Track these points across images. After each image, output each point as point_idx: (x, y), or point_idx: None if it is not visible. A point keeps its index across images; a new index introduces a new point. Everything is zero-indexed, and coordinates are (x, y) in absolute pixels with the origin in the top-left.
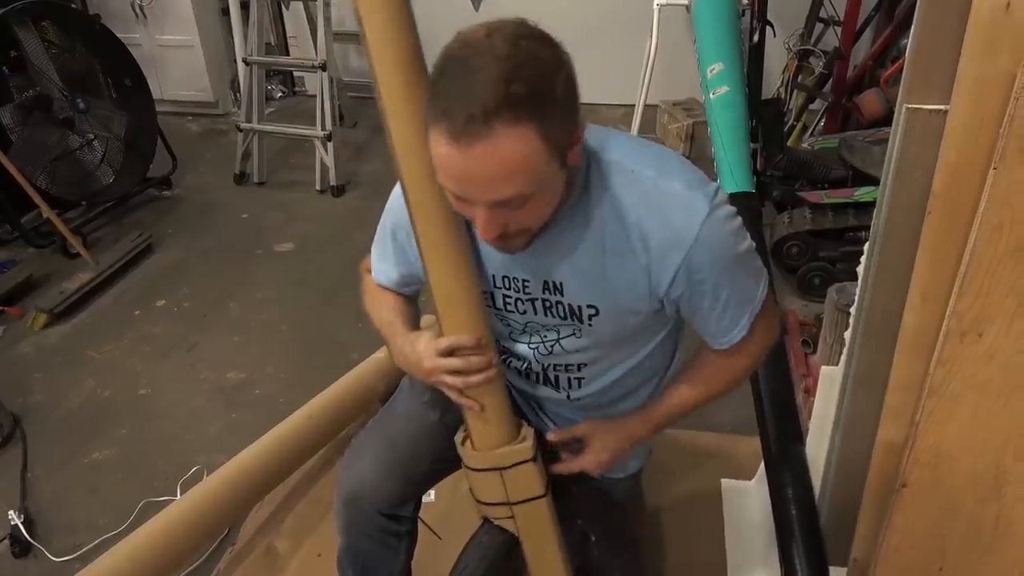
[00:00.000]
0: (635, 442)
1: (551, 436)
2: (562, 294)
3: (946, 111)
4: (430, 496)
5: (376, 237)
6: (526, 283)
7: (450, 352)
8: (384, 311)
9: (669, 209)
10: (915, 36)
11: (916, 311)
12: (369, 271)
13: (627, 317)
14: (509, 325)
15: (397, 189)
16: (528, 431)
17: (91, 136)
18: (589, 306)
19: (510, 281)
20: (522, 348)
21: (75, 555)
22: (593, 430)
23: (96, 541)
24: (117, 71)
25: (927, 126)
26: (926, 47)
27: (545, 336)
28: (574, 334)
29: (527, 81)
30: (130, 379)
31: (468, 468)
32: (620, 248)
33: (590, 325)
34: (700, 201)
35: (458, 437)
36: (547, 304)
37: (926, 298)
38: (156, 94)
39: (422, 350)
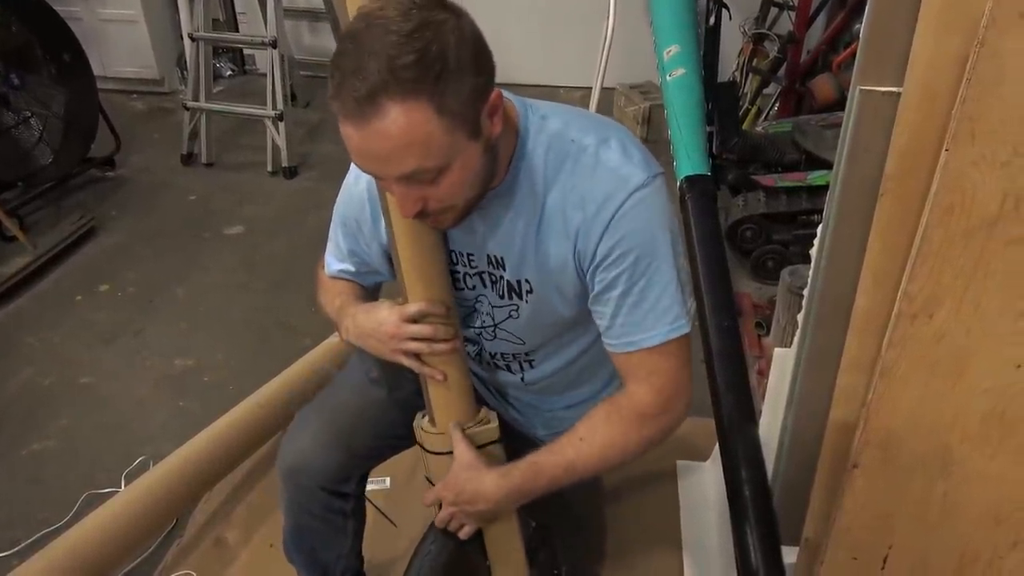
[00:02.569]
0: (479, 499)
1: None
2: (504, 268)
3: (899, 93)
4: (385, 483)
5: (329, 232)
6: (471, 256)
7: (416, 319)
8: (335, 296)
9: (604, 176)
10: (869, 18)
11: (868, 293)
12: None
13: (558, 298)
14: (462, 306)
15: (347, 178)
16: (491, 413)
17: (27, 113)
18: (526, 280)
19: (458, 256)
20: (471, 333)
21: (13, 551)
22: (460, 460)
23: (36, 536)
24: (55, 46)
25: (880, 108)
26: (879, 29)
27: (485, 320)
28: (511, 316)
29: (417, 52)
30: (71, 367)
31: (428, 452)
32: (554, 218)
33: (526, 302)
34: (636, 173)
35: (417, 421)
36: (492, 279)
37: (878, 280)
38: (98, 71)
39: (384, 316)
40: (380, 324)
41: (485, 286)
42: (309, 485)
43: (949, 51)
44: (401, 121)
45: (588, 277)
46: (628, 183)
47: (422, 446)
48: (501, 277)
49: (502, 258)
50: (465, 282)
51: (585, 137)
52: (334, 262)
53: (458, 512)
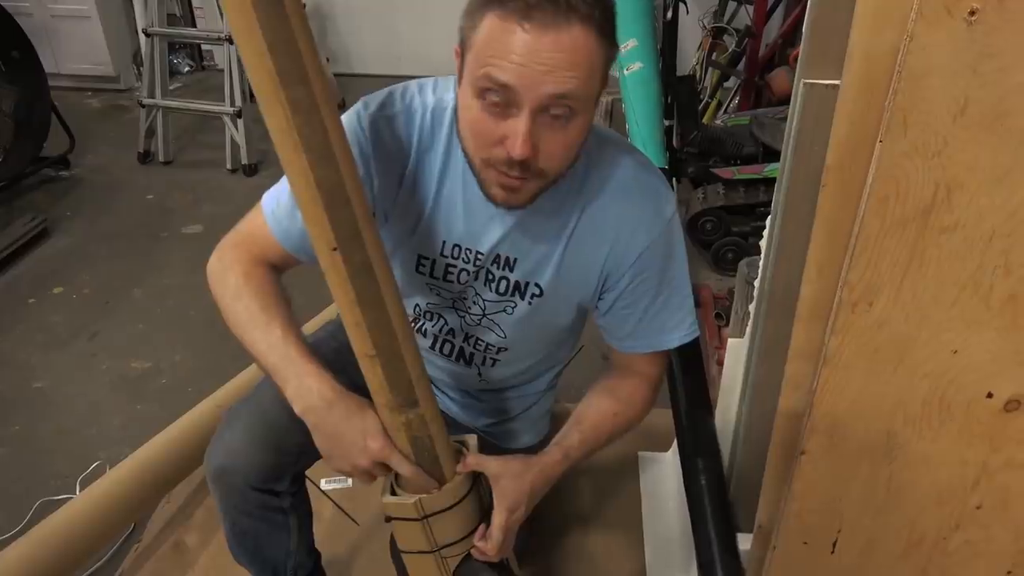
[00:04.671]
0: (549, 485)
1: (460, 468)
2: (511, 270)
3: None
4: (347, 481)
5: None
6: (479, 254)
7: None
8: (268, 314)
9: (649, 197)
10: (811, 12)
11: (812, 283)
12: (235, 246)
13: (564, 304)
14: (439, 295)
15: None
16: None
17: None
18: (536, 284)
19: (461, 251)
20: (441, 318)
21: None
22: (504, 470)
23: None
24: (3, 42)
25: (823, 101)
26: (822, 23)
27: (472, 308)
28: (505, 311)
29: (611, 4)
30: (24, 371)
31: (435, 515)
32: (587, 230)
33: (528, 304)
34: (669, 195)
35: (394, 499)
36: (491, 277)
37: (822, 270)
38: (51, 68)
39: (371, 426)
40: (365, 434)
41: (478, 280)
42: (238, 485)
43: (883, 44)
44: (582, 40)
45: (611, 287)
46: (668, 203)
47: (423, 516)
48: (503, 278)
49: (515, 260)
50: (458, 278)
51: (620, 153)
52: (283, 218)
53: (517, 524)
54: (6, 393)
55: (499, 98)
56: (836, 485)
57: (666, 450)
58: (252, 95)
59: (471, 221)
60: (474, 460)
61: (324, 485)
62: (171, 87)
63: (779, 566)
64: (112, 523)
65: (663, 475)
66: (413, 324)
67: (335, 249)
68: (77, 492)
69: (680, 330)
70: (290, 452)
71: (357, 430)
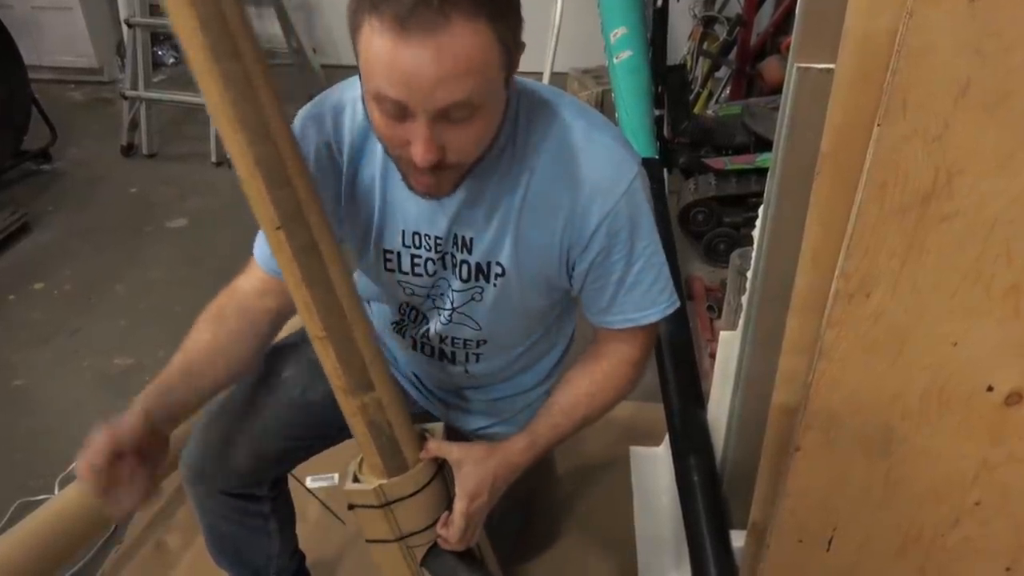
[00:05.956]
0: (515, 473)
1: (422, 455)
2: (470, 252)
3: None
4: (332, 479)
5: None
6: (438, 240)
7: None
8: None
9: (601, 160)
10: None
11: (807, 273)
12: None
13: (531, 283)
14: (414, 293)
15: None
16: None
17: None
18: (497, 263)
19: (421, 238)
20: (425, 317)
21: None
22: (466, 456)
23: None
24: None
25: (817, 86)
26: (815, 7)
27: (441, 303)
28: (473, 299)
29: None
30: (4, 369)
31: (397, 503)
32: (539, 200)
33: (494, 286)
34: (630, 160)
35: (357, 486)
36: (455, 261)
37: (817, 260)
38: (32, 60)
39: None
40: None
41: (446, 268)
42: (214, 490)
43: (880, 24)
44: (468, 39)
45: (576, 262)
46: (627, 167)
47: (385, 503)
48: (464, 261)
49: (471, 239)
50: (426, 268)
51: (576, 118)
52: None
53: (480, 512)
54: None
55: (393, 108)
56: (832, 481)
57: (658, 445)
58: None
59: (422, 205)
60: (435, 446)
61: (310, 483)
62: (155, 79)
63: (773, 564)
64: (92, 524)
65: (655, 471)
66: (397, 329)
67: (279, 228)
68: (56, 492)
69: (657, 305)
70: (268, 457)
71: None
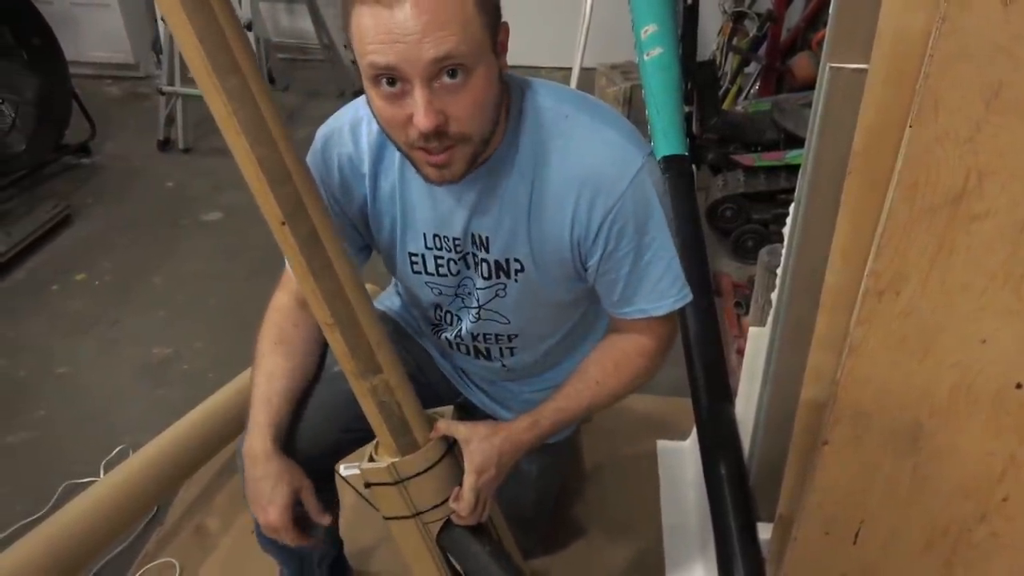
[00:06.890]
0: (520, 450)
1: (432, 434)
2: (488, 250)
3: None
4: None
5: None
6: (456, 241)
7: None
8: (271, 340)
9: (603, 155)
10: None
11: (837, 271)
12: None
13: (551, 277)
14: (442, 293)
15: (314, 145)
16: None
17: None
18: (515, 259)
19: (441, 240)
20: (457, 317)
21: None
22: (472, 434)
23: (13, 527)
24: (25, 31)
25: (850, 86)
26: (849, 6)
27: (469, 302)
28: (498, 295)
29: None
30: (47, 357)
31: (410, 479)
32: (548, 196)
33: (516, 281)
34: (635, 153)
35: (370, 465)
36: (476, 260)
37: (847, 258)
38: (71, 56)
39: (275, 500)
40: (269, 503)
41: (469, 267)
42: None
43: (913, 27)
44: None
45: (587, 254)
46: (631, 161)
47: (398, 480)
48: (484, 260)
49: (487, 238)
50: (449, 268)
51: (579, 113)
52: None
53: (488, 487)
54: (31, 378)
55: (390, 82)
56: (859, 476)
57: (685, 439)
58: (271, 82)
59: (439, 207)
60: (444, 425)
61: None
62: (190, 75)
63: (800, 556)
64: (135, 507)
65: (682, 464)
66: (435, 331)
67: (283, 223)
68: (101, 475)
69: (667, 297)
70: (325, 449)
71: (265, 496)
